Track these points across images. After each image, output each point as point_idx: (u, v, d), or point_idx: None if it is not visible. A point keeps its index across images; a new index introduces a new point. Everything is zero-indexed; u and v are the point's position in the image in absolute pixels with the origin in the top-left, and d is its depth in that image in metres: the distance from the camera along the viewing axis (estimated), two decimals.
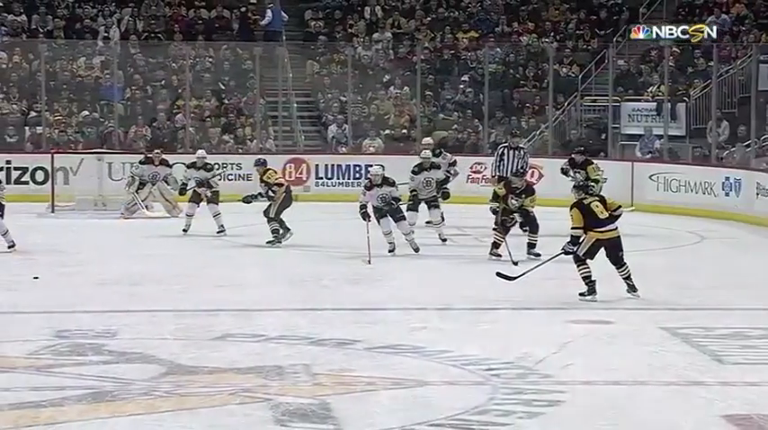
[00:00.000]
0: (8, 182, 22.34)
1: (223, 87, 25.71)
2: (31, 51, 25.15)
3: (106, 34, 26.29)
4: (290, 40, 26.99)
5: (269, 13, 26.96)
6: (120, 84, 24.96)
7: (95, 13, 26.93)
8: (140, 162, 19.59)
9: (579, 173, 17.10)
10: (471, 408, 8.07)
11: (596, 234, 12.24)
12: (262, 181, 16.56)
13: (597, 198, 12.61)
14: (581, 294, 12.21)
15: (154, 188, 19.30)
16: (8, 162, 22.74)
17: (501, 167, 18.04)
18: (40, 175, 22.50)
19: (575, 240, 12.26)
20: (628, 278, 12.35)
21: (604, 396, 8.56)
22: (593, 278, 12.23)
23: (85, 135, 24.30)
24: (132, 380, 8.81)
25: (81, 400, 8.30)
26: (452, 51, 27.11)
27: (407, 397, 8.45)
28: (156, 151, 19.77)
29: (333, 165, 23.42)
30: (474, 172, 22.97)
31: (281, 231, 16.27)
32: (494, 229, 15.09)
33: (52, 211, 20.48)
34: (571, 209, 12.41)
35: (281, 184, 16.57)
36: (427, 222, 17.52)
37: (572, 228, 12.31)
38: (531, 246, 15.05)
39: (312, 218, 18.96)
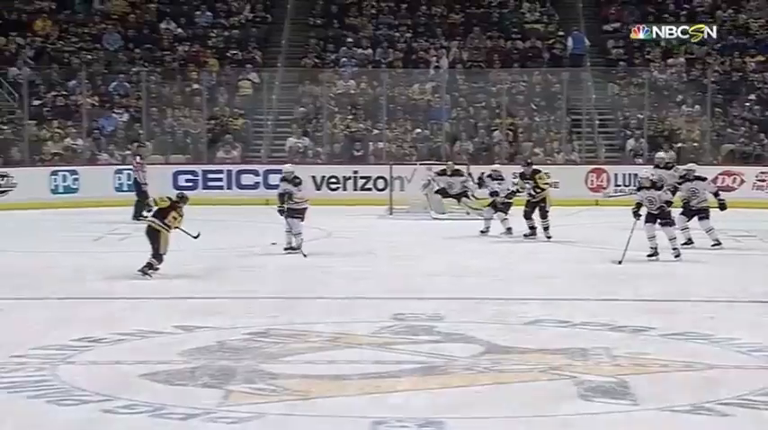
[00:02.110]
0: (354, 188, 23.29)
1: (534, 107, 25.68)
2: (375, 79, 25.84)
3: (437, 64, 26.71)
4: (594, 66, 26.70)
5: (569, 40, 26.82)
6: (447, 106, 25.34)
7: (428, 46, 27.40)
8: (437, 173, 19.91)
9: None
10: (757, 390, 7.82)
11: None
12: (528, 178, 16.80)
13: None
14: None
15: (461, 202, 19.60)
16: (355, 172, 23.49)
17: None
18: (380, 183, 23.08)
19: None
20: None
21: None
22: None
23: (418, 149, 24.79)
24: (457, 357, 8.94)
25: (415, 373, 8.48)
26: (740, 74, 26.13)
27: (698, 378, 8.26)
28: (448, 162, 20.20)
29: (630, 174, 22.99)
30: (759, 180, 22.36)
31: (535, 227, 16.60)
32: None
33: (390, 214, 20.95)
34: None
35: (544, 189, 16.84)
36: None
37: None
38: None
39: (611, 221, 18.68)
